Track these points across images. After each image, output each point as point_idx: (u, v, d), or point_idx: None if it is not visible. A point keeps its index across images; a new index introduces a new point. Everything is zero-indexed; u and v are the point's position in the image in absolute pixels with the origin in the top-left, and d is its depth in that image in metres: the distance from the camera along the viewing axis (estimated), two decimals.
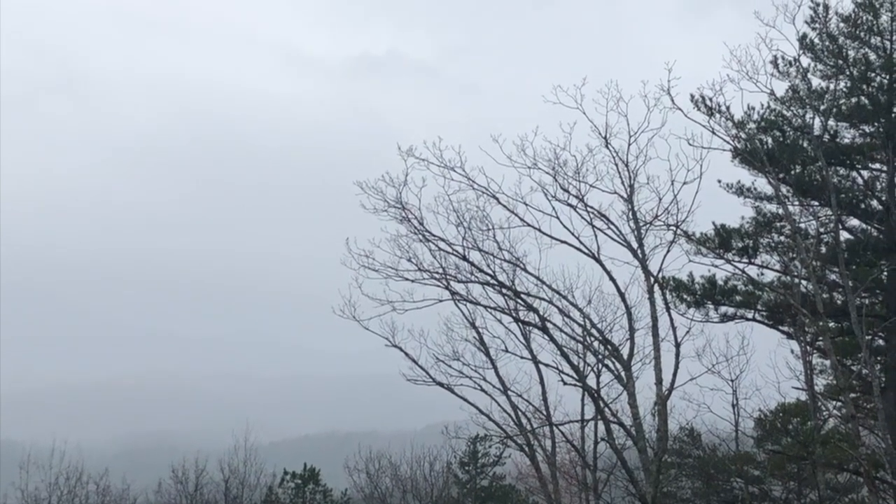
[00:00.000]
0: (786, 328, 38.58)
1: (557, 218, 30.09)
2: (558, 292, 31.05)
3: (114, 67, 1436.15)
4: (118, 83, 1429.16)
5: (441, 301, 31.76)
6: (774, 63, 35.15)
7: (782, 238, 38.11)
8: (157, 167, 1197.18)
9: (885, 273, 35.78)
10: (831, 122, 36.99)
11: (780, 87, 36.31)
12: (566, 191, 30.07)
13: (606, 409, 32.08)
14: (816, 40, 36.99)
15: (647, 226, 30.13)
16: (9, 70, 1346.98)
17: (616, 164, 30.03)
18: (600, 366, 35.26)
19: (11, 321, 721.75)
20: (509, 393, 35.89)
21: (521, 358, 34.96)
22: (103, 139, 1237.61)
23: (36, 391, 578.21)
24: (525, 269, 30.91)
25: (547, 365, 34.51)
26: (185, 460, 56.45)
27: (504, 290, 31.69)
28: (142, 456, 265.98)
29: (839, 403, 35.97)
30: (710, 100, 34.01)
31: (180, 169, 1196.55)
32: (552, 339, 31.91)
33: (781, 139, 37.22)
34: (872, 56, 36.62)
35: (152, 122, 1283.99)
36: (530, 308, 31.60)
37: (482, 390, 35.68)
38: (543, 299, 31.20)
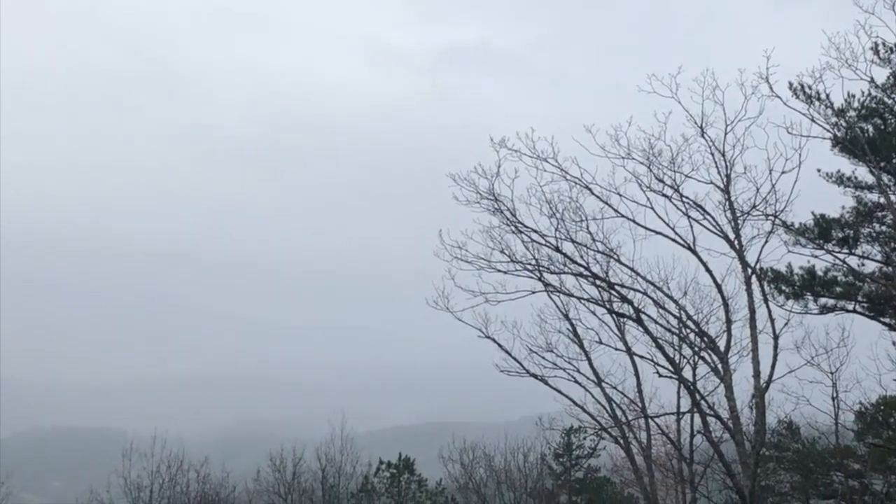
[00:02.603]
0: (887, 319, 37.76)
1: (652, 208, 29.87)
2: (653, 283, 30.83)
3: (203, 61, 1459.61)
4: (207, 76, 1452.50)
5: (534, 292, 31.71)
6: (875, 50, 34.32)
7: (884, 228, 37.27)
8: (249, 160, 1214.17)
9: None
10: None
11: (881, 75, 35.46)
12: (661, 181, 29.82)
13: (703, 402, 31.75)
14: None
15: (745, 216, 29.74)
16: (100, 64, 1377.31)
17: (712, 154, 29.72)
18: (696, 358, 34.97)
19: (115, 315, 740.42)
20: (603, 385, 35.75)
21: (616, 350, 34.81)
22: (194, 132, 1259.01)
23: (138, 382, 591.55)
24: (619, 261, 30.72)
25: (642, 357, 34.34)
26: (283, 449, 57.36)
27: (598, 282, 31.53)
28: (240, 445, 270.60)
29: None
30: (809, 87, 33.34)
31: (272, 162, 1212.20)
32: (647, 331, 31.69)
33: (882, 127, 36.34)
34: None
35: (241, 114, 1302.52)
36: (625, 299, 31.39)
37: (576, 382, 35.61)
38: (638, 291, 31.00)
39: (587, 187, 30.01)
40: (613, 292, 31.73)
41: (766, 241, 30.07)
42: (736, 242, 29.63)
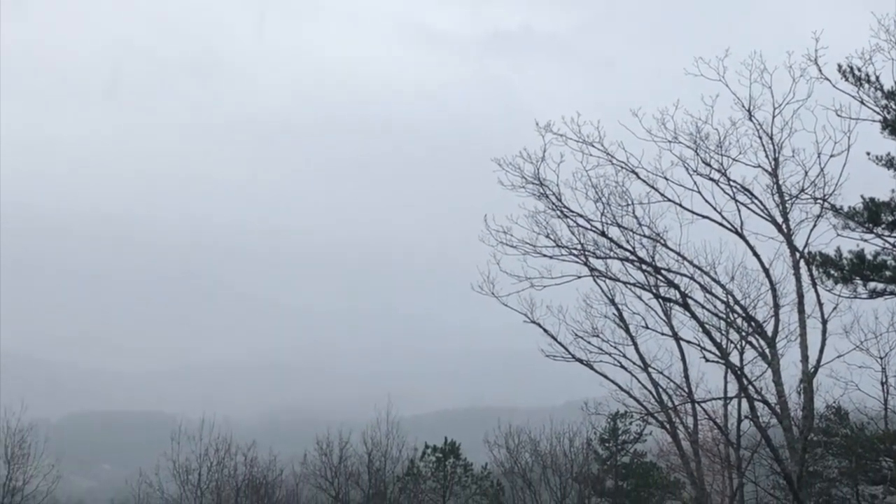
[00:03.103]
0: None
1: (699, 192, 29.74)
2: (700, 268, 30.72)
3: (247, 47, 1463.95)
4: (252, 62, 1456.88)
5: (580, 277, 31.54)
6: None
7: None
8: (293, 146, 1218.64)
9: None
10: None
11: None
12: (708, 165, 29.66)
13: (750, 387, 31.59)
14: None
15: (793, 200, 29.53)
16: (144, 51, 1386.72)
17: (760, 137, 29.53)
18: (743, 343, 34.82)
19: (164, 301, 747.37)
20: (650, 369, 35.71)
21: (662, 335, 34.77)
22: (237, 118, 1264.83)
23: (186, 366, 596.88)
24: (665, 245, 30.60)
25: (688, 342, 34.24)
26: (329, 433, 57.60)
27: (644, 266, 31.43)
28: (287, 428, 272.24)
29: None
30: (859, 69, 32.89)
31: (315, 147, 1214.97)
32: (694, 316, 31.57)
33: None
34: None
35: (285, 100, 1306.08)
36: (671, 284, 31.27)
37: (622, 367, 35.58)
38: (685, 275, 30.88)
39: (633, 171, 29.93)
40: (660, 277, 31.62)
41: (815, 225, 29.96)
42: (784, 226, 29.43)
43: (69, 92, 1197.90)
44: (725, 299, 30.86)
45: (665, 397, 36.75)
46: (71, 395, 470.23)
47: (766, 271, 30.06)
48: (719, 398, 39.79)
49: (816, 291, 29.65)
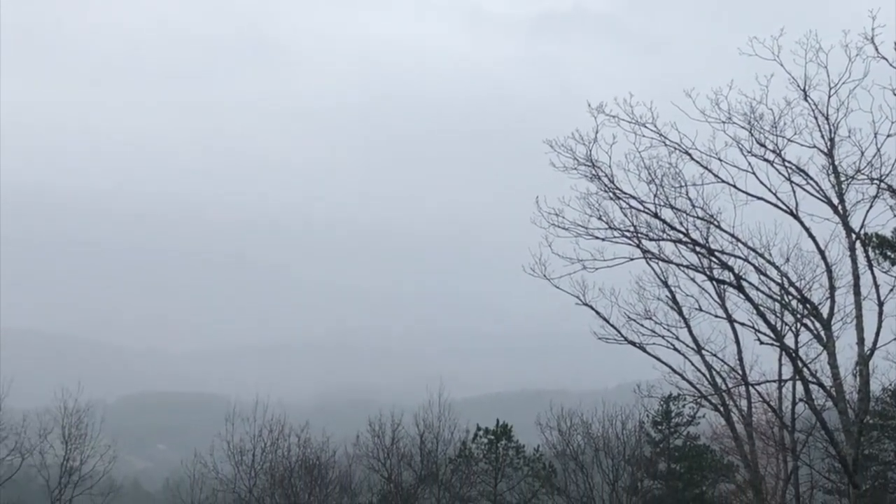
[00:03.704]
0: None
1: (753, 173, 29.51)
2: (754, 250, 30.47)
3: (298, 28, 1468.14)
4: (305, 45, 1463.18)
5: (632, 259, 31.48)
6: None
7: None
8: (343, 127, 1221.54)
9: None
10: None
11: None
12: (762, 145, 29.40)
13: (805, 370, 31.34)
14: None
15: (849, 180, 29.19)
16: (199, 35, 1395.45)
17: (815, 117, 29.20)
18: (798, 325, 34.52)
19: (219, 283, 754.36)
20: (703, 352, 35.55)
21: (716, 317, 34.60)
22: (289, 100, 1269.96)
23: (240, 348, 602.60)
24: (719, 227, 30.38)
25: (742, 324, 34.02)
26: (382, 414, 57.84)
27: (697, 248, 31.23)
28: (340, 410, 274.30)
29: None
30: None
31: (366, 127, 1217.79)
32: (748, 298, 31.35)
33: None
34: None
35: (334, 80, 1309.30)
36: (725, 266, 31.05)
37: (675, 349, 35.48)
38: (739, 257, 30.67)
39: (687, 152, 29.72)
40: (713, 259, 31.42)
41: (871, 206, 29.55)
42: (840, 207, 29.12)
43: (125, 74, 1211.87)
44: (780, 281, 30.59)
45: (719, 380, 36.61)
46: (127, 377, 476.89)
47: (822, 253, 29.76)
48: (774, 381, 39.50)
49: (873, 273, 29.33)
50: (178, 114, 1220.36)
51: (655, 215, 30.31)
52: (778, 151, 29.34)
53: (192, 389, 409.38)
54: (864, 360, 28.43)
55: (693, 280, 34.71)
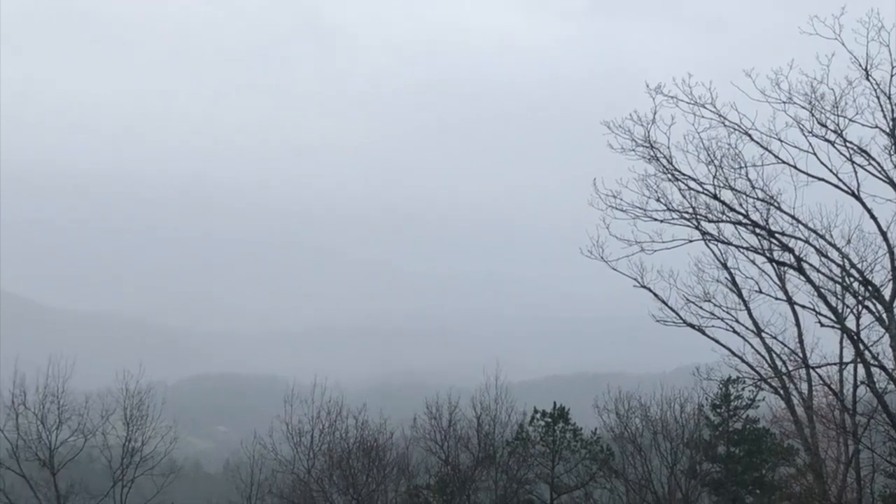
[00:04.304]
0: None
1: (814, 154, 29.17)
2: (815, 231, 30.13)
3: (360, 14, 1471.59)
4: (361, 30, 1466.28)
5: (691, 241, 31.35)
6: None
7: None
8: (401, 109, 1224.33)
9: None
10: None
11: None
12: (823, 126, 29.02)
13: (867, 352, 30.99)
14: None
15: None
16: (256, 18, 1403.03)
17: (878, 97, 28.72)
18: (860, 307, 34.08)
19: (277, 267, 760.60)
20: (763, 335, 35.28)
21: (776, 299, 34.30)
22: (347, 83, 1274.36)
23: (298, 331, 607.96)
24: (779, 208, 30.10)
25: (803, 306, 33.72)
26: (439, 397, 58.07)
27: (757, 230, 30.97)
28: (397, 392, 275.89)
29: None
30: None
31: (423, 110, 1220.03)
32: (808, 280, 31.07)
33: None
34: None
35: (393, 64, 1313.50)
36: (785, 248, 30.77)
37: (734, 332, 35.23)
38: (799, 239, 30.35)
39: (746, 133, 29.46)
40: (773, 241, 31.14)
41: None
42: None
43: (187, 58, 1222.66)
44: (841, 263, 30.26)
45: (779, 363, 36.33)
46: (187, 359, 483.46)
47: (884, 234, 29.40)
48: (834, 363, 39.05)
49: None
50: (240, 98, 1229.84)
51: (715, 197, 30.12)
52: (839, 132, 28.98)
53: (251, 372, 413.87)
54: None
55: (753, 262, 34.46)
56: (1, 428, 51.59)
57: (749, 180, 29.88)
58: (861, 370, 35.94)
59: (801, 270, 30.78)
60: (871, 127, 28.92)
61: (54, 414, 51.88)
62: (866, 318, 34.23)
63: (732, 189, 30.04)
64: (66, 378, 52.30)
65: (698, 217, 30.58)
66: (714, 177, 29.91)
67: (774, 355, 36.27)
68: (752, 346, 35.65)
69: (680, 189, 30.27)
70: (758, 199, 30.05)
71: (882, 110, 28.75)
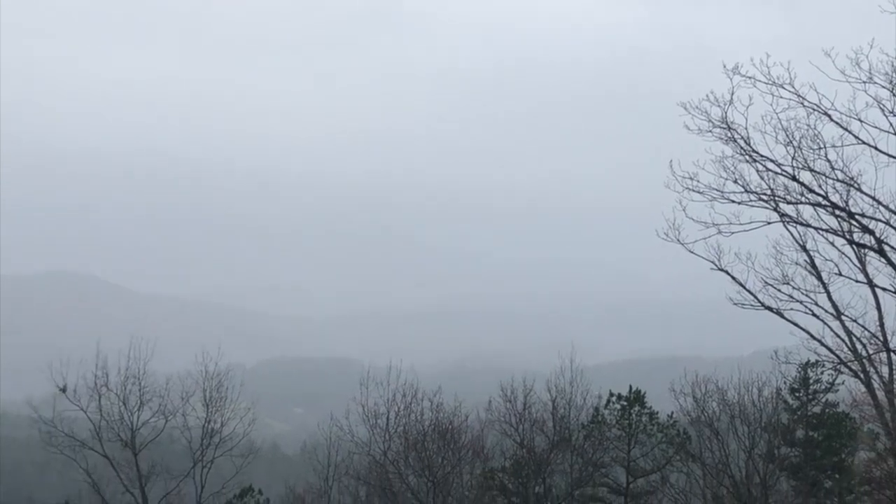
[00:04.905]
0: None
1: (895, 134, 28.63)
2: None
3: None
4: (440, 13, 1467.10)
5: (769, 223, 31.02)
6: None
7: None
8: (470, 94, 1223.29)
9: None
10: None
11: None
12: None
13: None
14: None
15: None
16: (335, 2, 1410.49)
17: None
18: None
19: (352, 252, 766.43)
20: (843, 318, 34.71)
21: (856, 282, 33.69)
22: (418, 69, 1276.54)
23: (373, 315, 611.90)
24: (860, 189, 29.60)
25: (884, 289, 33.10)
26: (514, 380, 58.15)
27: (837, 212, 30.51)
28: (470, 376, 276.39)
29: None
30: None
31: (491, 94, 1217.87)
32: (890, 262, 30.55)
33: None
34: None
35: (462, 48, 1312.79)
36: (866, 230, 30.30)
37: (813, 315, 34.72)
38: (880, 220, 29.83)
39: (826, 113, 28.99)
40: (854, 222, 30.66)
41: None
42: None
43: (262, 44, 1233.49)
44: None
45: (859, 346, 35.71)
46: (265, 342, 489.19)
47: None
48: None
49: None
50: (314, 85, 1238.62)
51: (793, 178, 29.74)
52: None
53: (328, 355, 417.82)
54: None
55: (832, 244, 33.93)
56: (84, 409, 52.82)
57: (828, 161, 29.46)
58: None
59: (882, 252, 30.30)
60: None
61: (136, 395, 53.05)
62: None
63: (812, 170, 29.65)
64: (147, 360, 53.39)
65: (776, 199, 30.23)
66: (793, 158, 29.53)
67: (854, 339, 35.68)
68: (832, 329, 35.10)
69: (758, 170, 29.97)
70: (837, 180, 29.62)
71: None
